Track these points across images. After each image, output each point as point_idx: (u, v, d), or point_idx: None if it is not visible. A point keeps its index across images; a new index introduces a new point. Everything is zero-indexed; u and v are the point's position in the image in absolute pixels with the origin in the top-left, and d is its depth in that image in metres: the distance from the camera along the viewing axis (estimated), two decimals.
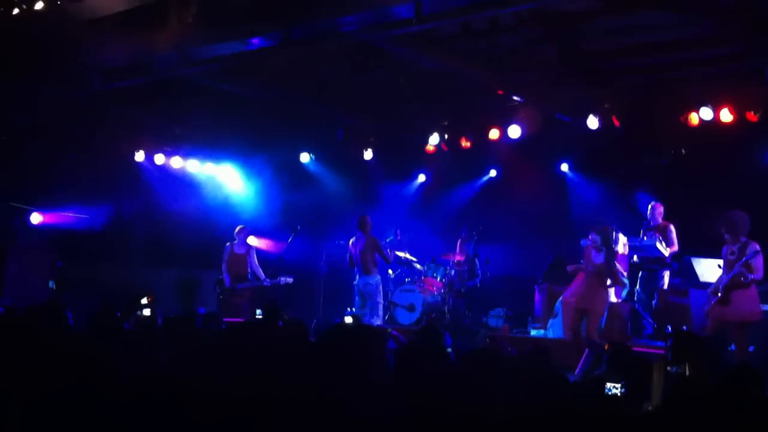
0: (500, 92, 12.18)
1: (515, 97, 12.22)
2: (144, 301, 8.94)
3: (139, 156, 14.95)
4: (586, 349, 9.09)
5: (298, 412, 2.61)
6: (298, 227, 12.89)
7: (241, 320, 9.59)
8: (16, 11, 9.15)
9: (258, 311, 9.48)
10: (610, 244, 9.68)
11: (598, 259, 9.65)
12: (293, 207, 15.20)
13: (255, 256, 12.60)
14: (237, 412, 2.71)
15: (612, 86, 11.71)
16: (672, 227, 11.14)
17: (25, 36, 10.25)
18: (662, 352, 7.89)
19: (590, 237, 9.77)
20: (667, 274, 11.14)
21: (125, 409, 2.94)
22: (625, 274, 10.96)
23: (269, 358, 3.42)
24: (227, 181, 16.11)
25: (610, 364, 6.02)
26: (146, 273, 14.64)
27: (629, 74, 11.62)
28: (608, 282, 9.69)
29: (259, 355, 3.42)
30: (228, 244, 12.63)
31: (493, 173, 15.04)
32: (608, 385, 2.90)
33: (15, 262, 13.26)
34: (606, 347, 6.49)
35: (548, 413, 2.40)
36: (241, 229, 12.70)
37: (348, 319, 9.78)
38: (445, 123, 13.71)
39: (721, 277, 9.05)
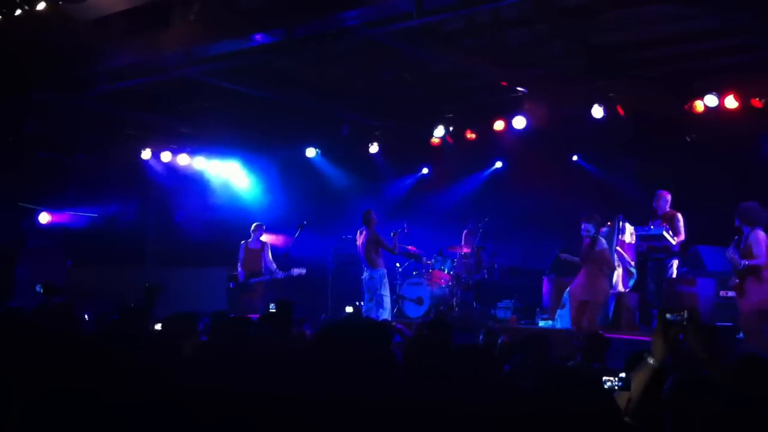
0: (504, 84, 12.18)
1: (519, 89, 12.21)
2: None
3: (146, 154, 15.03)
4: None
5: (299, 412, 2.63)
6: (305, 222, 12.92)
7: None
8: (18, 12, 9.17)
9: (271, 305, 9.47)
10: (598, 233, 9.80)
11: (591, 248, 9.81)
12: (300, 202, 15.25)
13: (269, 251, 12.68)
14: (242, 414, 2.73)
15: (618, 78, 11.67)
16: (679, 216, 11.12)
17: (30, 41, 10.30)
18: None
19: (582, 227, 9.87)
20: (675, 264, 11.12)
21: (136, 410, 2.95)
22: (632, 263, 10.97)
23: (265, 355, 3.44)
24: (234, 177, 16.19)
25: (583, 353, 6.06)
26: (156, 271, 14.70)
27: (636, 66, 11.59)
28: (605, 270, 9.80)
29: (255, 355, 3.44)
30: (243, 241, 12.71)
31: (498, 165, 15.05)
32: (604, 378, 2.93)
33: (25, 263, 13.34)
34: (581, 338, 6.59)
35: (550, 408, 2.42)
36: (257, 226, 12.79)
37: (348, 309, 9.80)
38: (450, 116, 13.71)
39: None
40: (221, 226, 14.92)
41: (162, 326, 5.61)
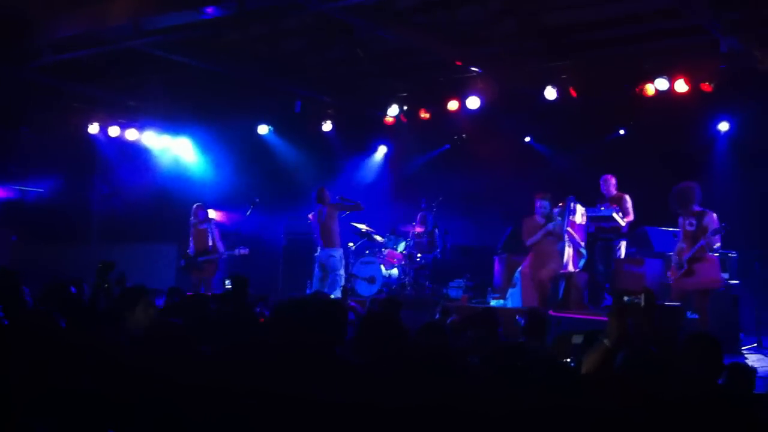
0: (459, 63, 12.15)
1: (473, 68, 12.20)
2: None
3: (93, 129, 14.68)
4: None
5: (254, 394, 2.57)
6: (257, 200, 12.77)
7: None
8: None
9: (227, 281, 9.37)
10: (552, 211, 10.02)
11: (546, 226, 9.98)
12: (251, 179, 15.06)
13: (217, 230, 12.46)
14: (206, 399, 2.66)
15: (570, 59, 11.74)
16: (627, 197, 11.25)
17: None
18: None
19: (537, 204, 10.01)
20: (623, 244, 11.27)
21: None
22: (582, 244, 11.09)
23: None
24: (183, 153, 15.90)
25: (525, 330, 6.06)
26: (103, 247, 14.43)
27: (588, 48, 11.65)
28: (557, 247, 9.98)
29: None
30: (192, 219, 12.50)
31: (450, 144, 15.08)
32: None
33: None
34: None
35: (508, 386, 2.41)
36: (197, 206, 12.51)
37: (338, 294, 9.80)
38: (404, 94, 13.65)
39: (680, 246, 9.22)
40: (170, 203, 14.67)
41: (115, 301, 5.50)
